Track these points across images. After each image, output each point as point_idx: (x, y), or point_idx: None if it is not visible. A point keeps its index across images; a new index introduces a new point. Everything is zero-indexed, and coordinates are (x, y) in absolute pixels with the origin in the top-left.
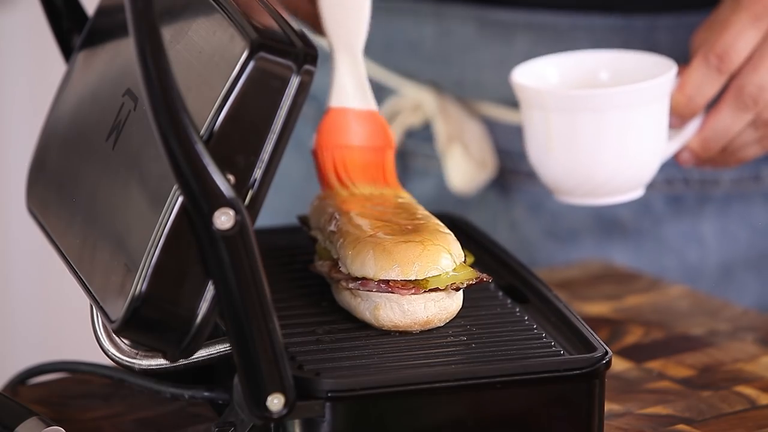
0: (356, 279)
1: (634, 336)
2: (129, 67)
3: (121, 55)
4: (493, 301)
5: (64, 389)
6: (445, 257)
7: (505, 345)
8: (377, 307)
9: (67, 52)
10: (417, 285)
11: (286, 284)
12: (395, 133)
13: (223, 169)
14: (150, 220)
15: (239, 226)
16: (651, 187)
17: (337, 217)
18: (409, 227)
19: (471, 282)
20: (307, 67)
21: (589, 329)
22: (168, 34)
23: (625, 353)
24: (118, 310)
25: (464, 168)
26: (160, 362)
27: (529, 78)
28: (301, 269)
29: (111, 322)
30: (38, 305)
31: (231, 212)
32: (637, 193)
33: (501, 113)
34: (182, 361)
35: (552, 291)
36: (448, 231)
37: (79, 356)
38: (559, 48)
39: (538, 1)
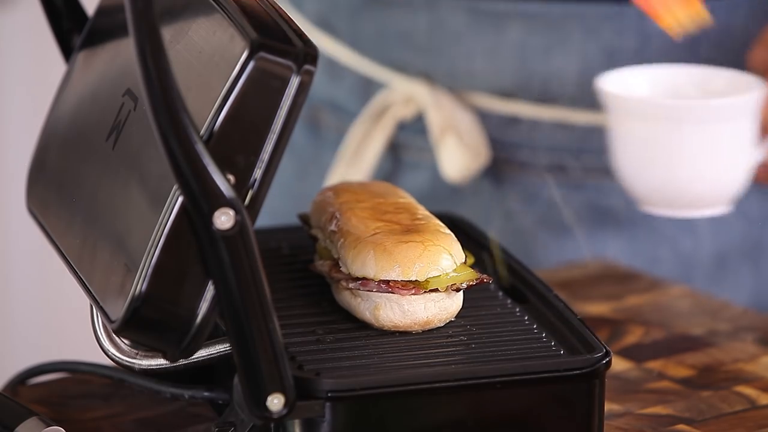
0: (356, 279)
1: (634, 336)
2: (129, 67)
3: (121, 55)
4: (493, 301)
5: (64, 389)
6: (445, 258)
7: (505, 345)
8: (377, 307)
9: (67, 52)
10: (417, 285)
11: (286, 284)
12: (387, 127)
13: (223, 169)
14: (150, 220)
15: (239, 226)
16: None
17: (338, 216)
18: (410, 227)
19: (471, 283)
20: (307, 67)
21: (589, 329)
22: (168, 34)
23: (625, 353)
24: (118, 310)
25: (458, 157)
26: (160, 362)
27: (618, 87)
28: (301, 269)
29: (111, 322)
30: (38, 305)
31: (231, 212)
32: (728, 207)
33: (493, 104)
34: (182, 361)
35: (552, 291)
36: (448, 231)
37: (79, 356)
38: (551, 37)
39: None
